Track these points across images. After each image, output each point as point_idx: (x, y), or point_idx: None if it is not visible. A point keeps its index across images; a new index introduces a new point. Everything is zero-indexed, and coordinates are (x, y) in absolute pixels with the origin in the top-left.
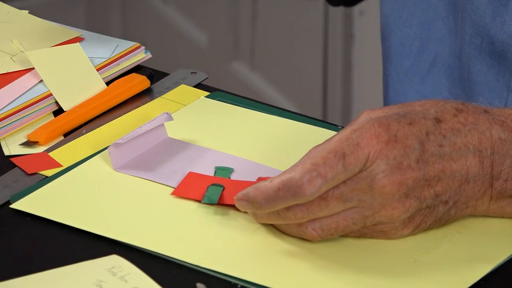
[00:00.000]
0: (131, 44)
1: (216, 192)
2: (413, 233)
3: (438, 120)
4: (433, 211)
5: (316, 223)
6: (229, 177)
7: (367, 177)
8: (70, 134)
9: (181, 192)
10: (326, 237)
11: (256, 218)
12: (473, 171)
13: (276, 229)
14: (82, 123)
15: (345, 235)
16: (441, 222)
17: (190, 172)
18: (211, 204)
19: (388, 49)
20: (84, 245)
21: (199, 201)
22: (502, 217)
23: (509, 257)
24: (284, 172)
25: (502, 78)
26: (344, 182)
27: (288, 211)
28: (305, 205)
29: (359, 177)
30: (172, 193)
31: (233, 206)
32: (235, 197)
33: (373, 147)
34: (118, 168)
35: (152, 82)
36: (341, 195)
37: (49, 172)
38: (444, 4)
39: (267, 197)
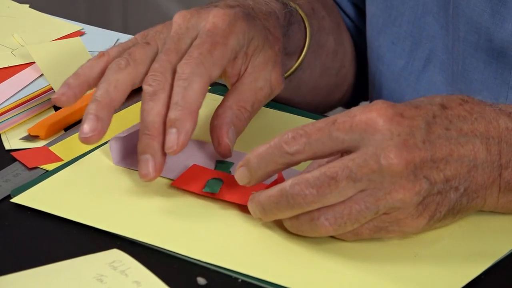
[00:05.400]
0: (131, 38)
1: (217, 184)
2: (429, 224)
3: (444, 107)
4: (445, 198)
5: (329, 212)
6: (230, 171)
7: (373, 153)
8: (70, 128)
9: (181, 183)
10: (339, 229)
11: (265, 213)
12: (481, 157)
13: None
14: (83, 117)
15: (358, 232)
16: (454, 211)
17: (194, 165)
18: (212, 194)
19: (379, 49)
20: (85, 239)
21: (198, 194)
22: (511, 212)
23: (510, 252)
24: None
25: (501, 75)
26: (352, 159)
27: (297, 195)
28: (315, 187)
29: (366, 153)
30: (172, 183)
31: (231, 203)
32: (237, 166)
33: (372, 119)
34: (118, 162)
35: None
36: (350, 173)
37: (49, 166)
38: None
39: (259, 154)
